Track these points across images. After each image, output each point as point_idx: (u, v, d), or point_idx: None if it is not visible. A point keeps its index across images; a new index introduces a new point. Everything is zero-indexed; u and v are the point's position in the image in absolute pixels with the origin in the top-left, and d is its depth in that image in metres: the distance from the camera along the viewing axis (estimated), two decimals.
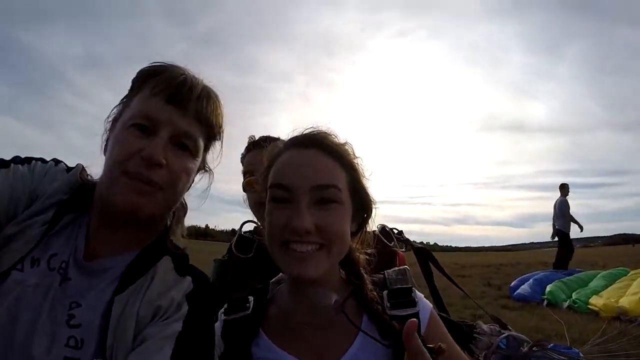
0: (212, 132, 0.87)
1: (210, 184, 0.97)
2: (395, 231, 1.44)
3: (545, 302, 5.44)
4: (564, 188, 8.87)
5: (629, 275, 5.69)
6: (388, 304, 0.85)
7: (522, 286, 6.15)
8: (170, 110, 0.79)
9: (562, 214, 8.56)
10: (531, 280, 6.25)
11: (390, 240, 1.33)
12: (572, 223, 8.56)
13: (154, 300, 0.76)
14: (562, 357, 1.96)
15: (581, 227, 8.62)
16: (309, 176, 0.79)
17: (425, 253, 1.53)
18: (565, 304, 5.18)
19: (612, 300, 4.80)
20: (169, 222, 0.90)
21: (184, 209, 0.95)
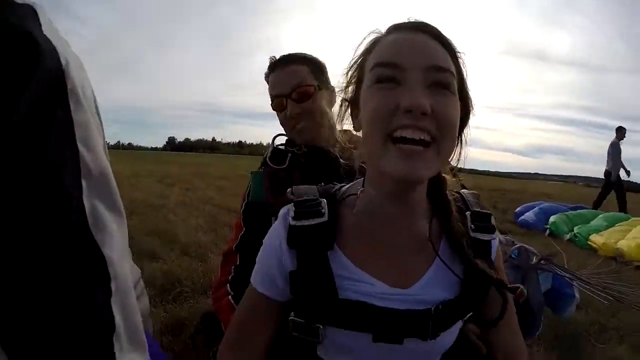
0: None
1: None
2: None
3: (548, 231, 5.69)
4: (620, 131, 8.49)
5: (629, 220, 5.83)
6: (472, 226, 0.79)
7: (527, 213, 6.36)
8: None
9: (611, 156, 8.42)
10: (537, 208, 6.44)
11: None
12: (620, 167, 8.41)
13: None
14: (565, 273, 2.15)
15: (628, 172, 8.45)
16: (425, 54, 0.67)
17: None
18: (567, 237, 5.43)
19: (612, 240, 5.01)
20: None
21: None
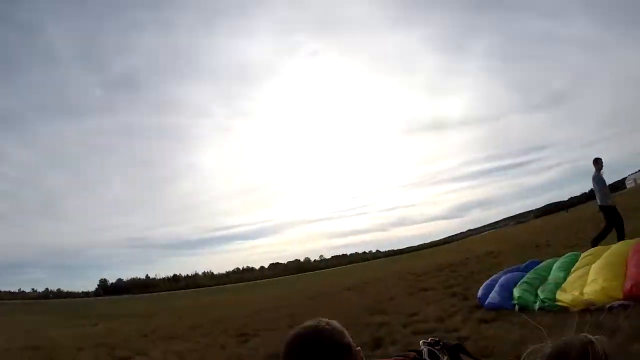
0: None
1: None
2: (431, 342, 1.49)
3: (517, 307, 5.54)
4: (597, 162, 8.83)
5: (581, 260, 5.94)
6: None
7: (491, 294, 6.24)
8: None
9: (598, 189, 8.71)
10: (497, 287, 6.36)
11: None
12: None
13: None
14: None
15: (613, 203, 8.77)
16: None
17: (458, 348, 1.56)
18: (537, 306, 5.31)
19: (577, 293, 5.00)
20: None
21: None
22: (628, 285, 4.55)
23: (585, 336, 1.14)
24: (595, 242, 8.18)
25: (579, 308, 4.73)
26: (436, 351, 1.54)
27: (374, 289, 12.22)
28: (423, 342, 1.57)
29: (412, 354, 1.69)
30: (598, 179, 8.73)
